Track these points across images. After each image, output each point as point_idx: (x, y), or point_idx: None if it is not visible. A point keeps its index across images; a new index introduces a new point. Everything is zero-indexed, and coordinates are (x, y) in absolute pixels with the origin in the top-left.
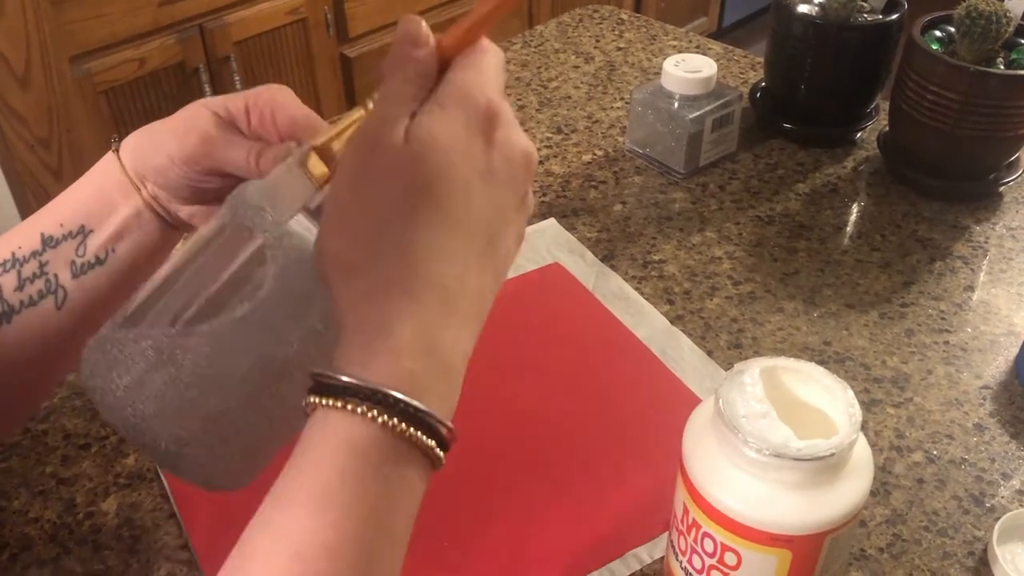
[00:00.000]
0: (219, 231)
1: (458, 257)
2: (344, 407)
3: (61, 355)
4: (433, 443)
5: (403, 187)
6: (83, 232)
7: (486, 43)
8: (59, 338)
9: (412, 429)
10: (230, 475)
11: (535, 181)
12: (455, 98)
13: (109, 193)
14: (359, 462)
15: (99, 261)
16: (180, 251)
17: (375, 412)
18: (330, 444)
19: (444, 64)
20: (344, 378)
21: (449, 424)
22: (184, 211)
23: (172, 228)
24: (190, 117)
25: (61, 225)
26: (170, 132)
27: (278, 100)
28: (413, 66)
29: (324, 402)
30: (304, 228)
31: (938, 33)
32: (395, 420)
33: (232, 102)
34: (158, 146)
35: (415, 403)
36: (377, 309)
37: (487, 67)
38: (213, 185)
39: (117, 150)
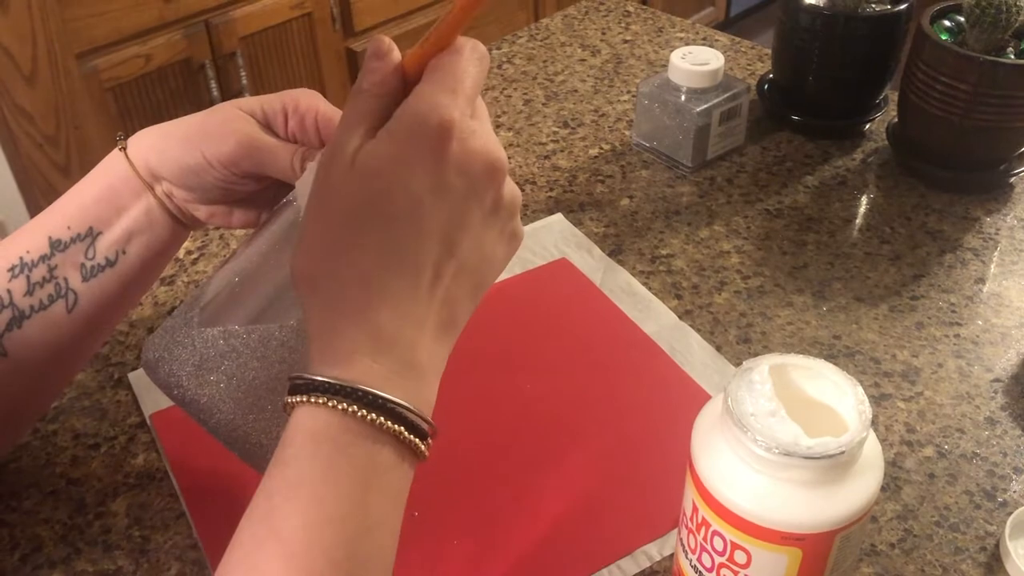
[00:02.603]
0: (291, 228)
1: (410, 270)
2: (308, 400)
3: (72, 356)
4: (401, 428)
5: (349, 209)
6: (92, 234)
7: (458, 44)
8: (70, 340)
9: (369, 413)
10: None
11: (542, 175)
12: (404, 120)
13: (117, 193)
14: (326, 447)
15: (109, 263)
16: (248, 241)
17: (334, 401)
18: (301, 435)
19: (418, 76)
20: (309, 376)
21: (411, 407)
22: (203, 211)
23: (183, 227)
24: (227, 119)
25: (68, 227)
26: (203, 133)
27: (319, 106)
28: (370, 82)
29: (292, 400)
30: None
31: (947, 23)
32: (353, 407)
33: (268, 104)
34: (188, 146)
35: (368, 389)
36: (333, 319)
37: (448, 77)
38: (248, 188)
39: (124, 148)
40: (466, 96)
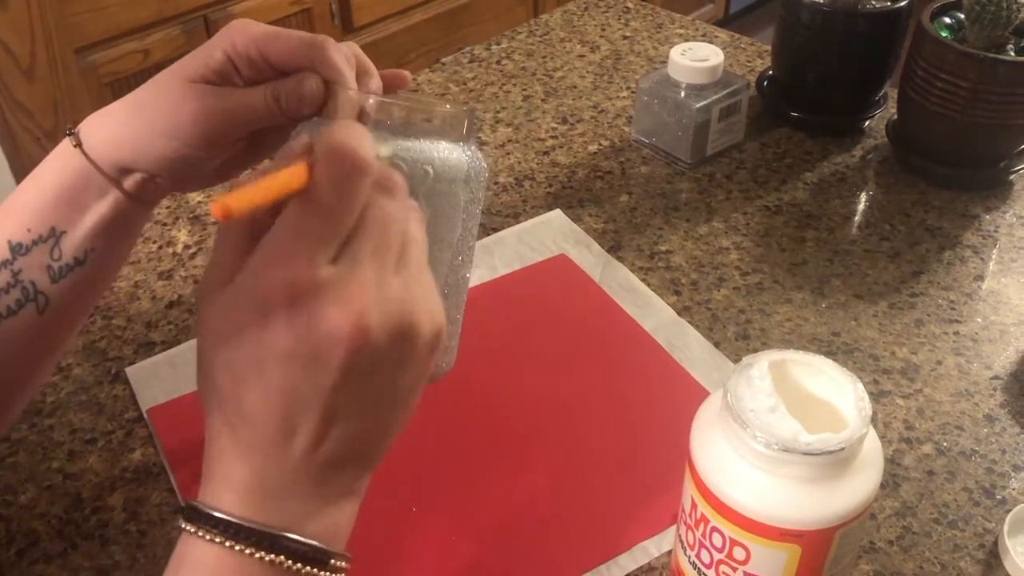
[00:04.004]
0: None
1: (261, 430)
2: (198, 535)
3: (49, 351)
4: (299, 565)
5: (208, 366)
6: (55, 235)
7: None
8: (45, 338)
9: (260, 551)
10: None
11: (541, 171)
12: (238, 288)
13: (78, 189)
14: None
15: (79, 262)
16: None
17: (223, 538)
18: (192, 567)
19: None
20: (206, 508)
21: (304, 540)
22: (187, 186)
23: (152, 205)
24: (188, 96)
25: (28, 230)
26: (173, 119)
27: (255, 37)
28: (226, 236)
29: (186, 527)
30: (435, 148)
31: (947, 20)
32: (248, 548)
33: (213, 61)
34: (164, 137)
35: (262, 529)
36: (213, 454)
37: (284, 235)
38: (234, 148)
39: (79, 144)
40: (309, 251)
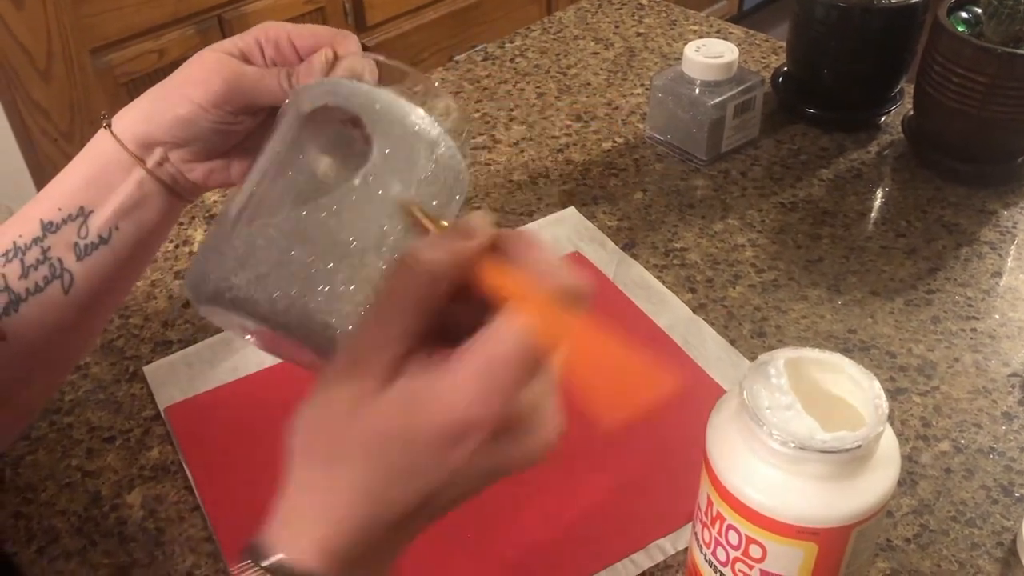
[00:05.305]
0: (300, 125)
1: (383, 511)
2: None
3: (74, 337)
4: None
5: (340, 440)
6: (83, 213)
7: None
8: (70, 321)
9: None
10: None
11: (555, 169)
12: (424, 406)
13: (107, 171)
14: None
15: (103, 240)
16: (259, 154)
17: None
18: None
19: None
20: (265, 552)
21: None
22: (201, 170)
23: (178, 197)
24: (207, 62)
25: (59, 209)
26: (188, 83)
27: (287, 28)
28: (414, 303)
29: (242, 565)
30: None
31: (964, 15)
32: None
33: (242, 42)
34: (177, 98)
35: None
36: (304, 507)
37: (499, 377)
38: (243, 126)
39: (109, 126)
40: (509, 400)
